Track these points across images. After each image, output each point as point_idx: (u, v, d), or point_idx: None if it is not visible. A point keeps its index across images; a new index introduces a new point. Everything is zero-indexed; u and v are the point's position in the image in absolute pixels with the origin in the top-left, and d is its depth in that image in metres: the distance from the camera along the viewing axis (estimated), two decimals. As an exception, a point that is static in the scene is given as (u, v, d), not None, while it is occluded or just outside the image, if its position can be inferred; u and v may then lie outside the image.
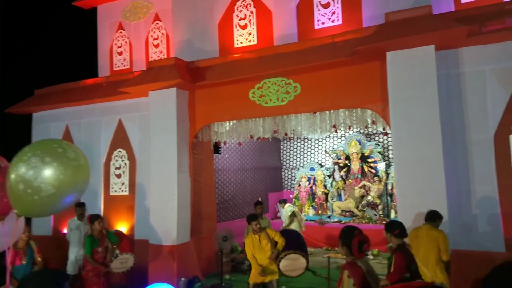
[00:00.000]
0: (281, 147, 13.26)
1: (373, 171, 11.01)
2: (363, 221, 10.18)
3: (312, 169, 12.06)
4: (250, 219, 5.65)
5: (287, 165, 13.14)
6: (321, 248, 10.01)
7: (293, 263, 5.52)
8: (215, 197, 9.19)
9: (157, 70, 7.70)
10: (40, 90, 10.05)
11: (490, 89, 5.76)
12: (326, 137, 12.26)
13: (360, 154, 11.20)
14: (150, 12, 9.77)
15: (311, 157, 12.66)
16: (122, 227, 8.49)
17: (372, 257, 8.87)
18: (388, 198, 10.69)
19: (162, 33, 9.62)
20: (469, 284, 5.22)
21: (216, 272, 7.77)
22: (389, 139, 10.90)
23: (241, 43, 8.40)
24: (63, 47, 14.34)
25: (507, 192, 5.57)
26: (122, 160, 8.73)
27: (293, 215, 8.93)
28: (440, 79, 5.84)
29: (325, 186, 11.66)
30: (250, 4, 8.36)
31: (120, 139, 8.80)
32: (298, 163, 12.90)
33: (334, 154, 11.78)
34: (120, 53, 10.14)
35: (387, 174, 10.80)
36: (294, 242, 5.74)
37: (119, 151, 8.79)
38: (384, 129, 7.00)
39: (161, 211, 7.63)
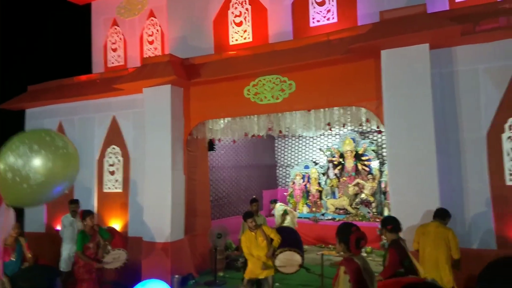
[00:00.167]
0: (276, 145, 13.27)
1: (367, 169, 11.06)
2: (357, 219, 10.23)
3: (306, 167, 12.09)
4: (246, 216, 5.67)
5: (282, 162, 13.16)
6: (315, 245, 10.04)
7: (288, 260, 5.55)
8: (210, 195, 9.18)
9: (151, 67, 7.67)
10: (34, 86, 9.97)
11: (483, 88, 5.80)
12: (321, 135, 12.29)
13: (354, 152, 11.24)
14: (145, 9, 9.71)
15: (306, 155, 12.69)
16: (116, 224, 8.46)
17: (365, 254, 8.92)
18: (382, 196, 10.75)
19: (157, 30, 9.58)
20: (462, 281, 5.27)
21: (210, 269, 7.77)
22: (383, 137, 10.93)
23: (236, 40, 8.38)
24: (57, 43, 14.24)
25: (499, 190, 5.62)
26: (116, 157, 8.70)
27: (285, 213, 8.96)
28: (434, 78, 5.88)
29: (319, 184, 11.70)
30: (245, 1, 8.34)
31: (114, 136, 8.76)
32: (292, 161, 12.93)
33: (329, 152, 11.81)
34: (114, 50, 10.08)
35: (381, 172, 10.85)
36: (290, 239, 5.77)
37: (113, 148, 8.75)
38: (378, 127, 7.02)
39: (155, 208, 7.61)
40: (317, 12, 7.68)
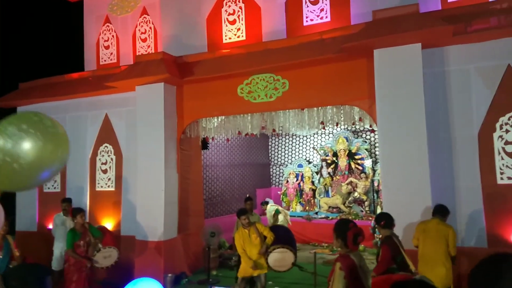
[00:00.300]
0: (270, 143, 13.28)
1: (360, 168, 11.12)
2: (350, 217, 10.27)
3: (300, 166, 12.12)
4: (239, 213, 5.69)
5: (275, 161, 13.18)
6: (308, 243, 10.07)
7: (281, 258, 5.56)
8: (203, 193, 9.17)
9: (144, 65, 7.63)
10: (25, 83, 9.86)
11: (475, 87, 5.85)
12: (314, 134, 12.32)
13: (347, 151, 11.29)
14: (138, 6, 9.65)
15: (299, 153, 12.72)
16: (108, 222, 8.42)
17: (358, 252, 8.96)
18: (375, 194, 10.81)
19: (150, 27, 9.52)
20: (453, 280, 5.31)
21: (203, 267, 7.77)
22: (376, 136, 11.00)
23: (230, 38, 8.37)
24: (49, 41, 14.11)
25: (490, 189, 5.68)
26: (109, 155, 8.64)
27: (276, 213, 8.98)
28: (426, 77, 5.92)
29: (312, 182, 11.73)
30: (239, -1, 8.32)
31: (107, 134, 8.70)
32: (286, 159, 12.95)
33: (322, 151, 11.85)
34: (107, 47, 10.01)
35: (374, 171, 10.91)
36: (283, 237, 5.78)
37: (106, 146, 8.70)
38: (371, 126, 7.06)
39: (148, 207, 7.58)
40: (310, 11, 7.69)
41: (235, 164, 11.35)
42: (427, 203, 5.56)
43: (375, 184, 10.78)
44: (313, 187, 11.67)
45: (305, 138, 12.66)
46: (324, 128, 7.46)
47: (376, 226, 4.56)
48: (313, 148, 12.37)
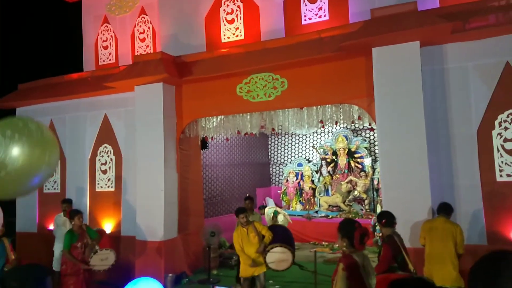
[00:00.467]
0: (269, 142, 13.28)
1: (360, 166, 11.12)
2: (350, 216, 10.27)
3: (299, 165, 12.12)
4: (238, 212, 5.70)
5: (275, 160, 13.18)
6: (309, 242, 10.08)
7: (279, 257, 5.56)
8: (203, 193, 9.17)
9: (143, 65, 7.62)
10: (24, 84, 9.86)
11: (474, 85, 5.85)
12: (314, 132, 12.32)
13: (347, 150, 11.30)
14: (136, 6, 9.63)
15: (299, 152, 12.73)
16: (108, 223, 8.42)
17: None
18: (374, 193, 10.82)
19: (148, 27, 9.51)
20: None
21: (204, 267, 7.77)
22: (375, 135, 11.01)
23: (228, 38, 8.36)
24: (47, 41, 14.10)
25: (489, 186, 5.68)
26: (108, 156, 8.64)
27: (275, 214, 8.99)
28: (424, 75, 5.92)
29: (312, 181, 11.74)
30: (237, -2, 8.32)
31: (106, 135, 8.70)
32: (285, 158, 12.95)
33: (322, 150, 11.85)
34: (105, 47, 10.00)
35: (373, 169, 10.91)
36: (281, 236, 5.78)
37: (105, 147, 8.70)
38: (370, 125, 7.06)
39: (148, 207, 7.58)
40: (308, 10, 7.68)
41: (235, 163, 11.36)
42: (426, 201, 5.57)
43: (375, 182, 10.78)
44: (313, 186, 11.67)
45: (304, 137, 12.66)
46: (323, 127, 7.46)
47: (376, 224, 4.57)
48: (313, 147, 12.37)
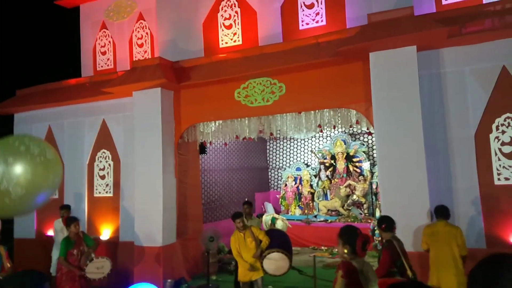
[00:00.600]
0: (268, 147, 13.29)
1: (358, 170, 11.13)
2: (349, 220, 10.27)
3: (298, 169, 12.12)
4: (234, 217, 5.69)
5: (274, 165, 13.18)
6: (308, 247, 10.05)
7: (276, 262, 5.54)
8: (201, 198, 9.15)
9: (141, 70, 7.64)
10: (22, 90, 9.87)
11: (471, 89, 5.88)
12: (312, 137, 12.33)
13: (345, 154, 11.31)
14: (134, 12, 9.67)
15: (297, 157, 12.73)
16: (107, 229, 8.39)
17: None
18: (373, 197, 10.81)
19: (146, 33, 9.54)
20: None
21: (203, 273, 7.74)
22: (374, 139, 11.02)
23: (226, 43, 8.39)
24: (46, 47, 14.12)
25: (488, 190, 5.69)
26: (106, 161, 8.63)
27: (273, 222, 8.99)
28: (422, 79, 5.95)
29: (311, 185, 11.73)
30: (234, 4, 8.36)
31: (104, 140, 8.69)
32: (284, 163, 12.95)
33: (320, 154, 11.86)
34: (103, 53, 10.02)
35: (372, 173, 10.92)
36: (278, 241, 5.76)
37: (103, 152, 8.69)
38: (368, 129, 7.08)
39: (146, 213, 7.56)
40: (306, 15, 7.72)
41: (233, 168, 11.35)
42: (425, 204, 5.58)
43: (374, 186, 10.78)
44: (312, 190, 11.67)
45: (303, 142, 12.67)
46: (321, 131, 7.47)
47: (376, 229, 4.57)
48: (311, 151, 12.38)
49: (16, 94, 9.91)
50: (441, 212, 5.05)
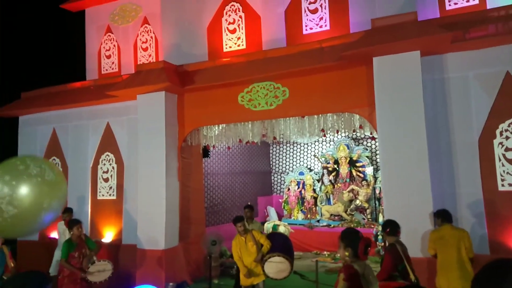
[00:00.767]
0: (271, 151, 13.28)
1: (361, 175, 11.09)
2: (352, 225, 10.22)
3: (301, 173, 12.10)
4: (235, 221, 5.70)
5: (277, 169, 13.17)
6: (310, 252, 10.02)
7: (277, 266, 5.53)
8: (204, 201, 9.15)
9: (145, 74, 7.68)
10: (27, 93, 9.94)
11: (474, 94, 5.87)
12: (315, 141, 12.32)
13: (348, 159, 11.28)
14: (139, 16, 9.74)
15: (300, 161, 12.71)
16: (110, 231, 8.41)
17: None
18: (376, 202, 10.77)
19: (151, 37, 9.60)
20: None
21: (205, 276, 7.73)
22: (377, 144, 11.00)
23: (230, 47, 8.43)
24: (51, 50, 14.22)
25: (491, 195, 5.66)
26: (110, 164, 8.66)
27: (274, 229, 8.98)
28: (425, 84, 5.94)
29: (314, 190, 11.70)
30: (239, 8, 8.40)
31: (108, 143, 8.73)
32: (287, 167, 12.94)
33: (323, 159, 11.84)
34: (108, 56, 10.09)
35: (375, 178, 10.88)
36: (279, 245, 5.75)
37: (107, 155, 8.72)
38: (371, 134, 7.07)
39: (149, 216, 7.57)
40: (310, 20, 7.75)
41: (236, 172, 11.35)
42: (428, 209, 5.55)
43: (377, 191, 10.74)
44: (315, 195, 11.63)
45: (306, 146, 12.66)
46: (324, 135, 7.47)
47: (379, 234, 4.57)
48: (314, 155, 12.36)
49: (21, 97, 9.98)
50: (446, 216, 5.05)
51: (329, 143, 12.14)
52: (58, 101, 9.14)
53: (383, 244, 6.64)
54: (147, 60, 9.55)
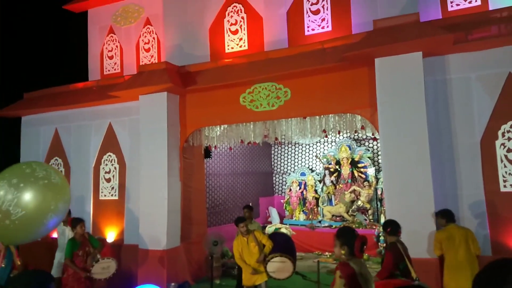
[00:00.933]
0: (272, 152, 13.29)
1: (363, 176, 11.09)
2: (354, 226, 10.22)
3: (302, 174, 12.11)
4: (237, 221, 5.71)
5: (278, 170, 13.17)
6: (312, 252, 10.02)
7: (279, 266, 5.54)
8: (206, 202, 9.17)
9: (147, 74, 7.70)
10: (30, 93, 9.98)
11: (476, 95, 5.87)
12: (317, 142, 12.33)
13: (350, 159, 11.28)
14: (141, 17, 9.76)
15: (302, 162, 12.72)
16: (112, 231, 8.43)
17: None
18: (378, 203, 10.77)
19: (153, 38, 9.62)
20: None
21: (206, 277, 7.74)
22: (379, 145, 11.00)
23: (232, 48, 8.45)
24: (54, 51, 14.27)
25: (493, 197, 5.66)
26: (112, 164, 8.69)
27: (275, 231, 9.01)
28: (427, 85, 5.95)
29: (315, 191, 11.70)
30: (241, 9, 8.42)
31: (110, 143, 8.76)
32: (289, 168, 12.94)
33: (325, 159, 11.84)
34: (110, 57, 10.11)
35: (377, 179, 10.88)
36: (282, 245, 5.77)
37: (109, 155, 8.75)
38: (373, 135, 7.08)
39: (151, 216, 7.59)
40: (311, 21, 7.76)
41: (238, 172, 11.37)
42: (430, 210, 5.55)
43: (379, 192, 10.74)
44: (316, 196, 11.64)
45: (307, 147, 12.66)
46: (326, 136, 7.47)
47: (380, 235, 4.59)
48: (316, 156, 12.37)
49: (24, 97, 10.02)
50: (450, 216, 5.10)
51: (330, 144, 12.14)
52: (60, 101, 9.17)
53: (384, 245, 6.64)
54: (149, 61, 9.57)
